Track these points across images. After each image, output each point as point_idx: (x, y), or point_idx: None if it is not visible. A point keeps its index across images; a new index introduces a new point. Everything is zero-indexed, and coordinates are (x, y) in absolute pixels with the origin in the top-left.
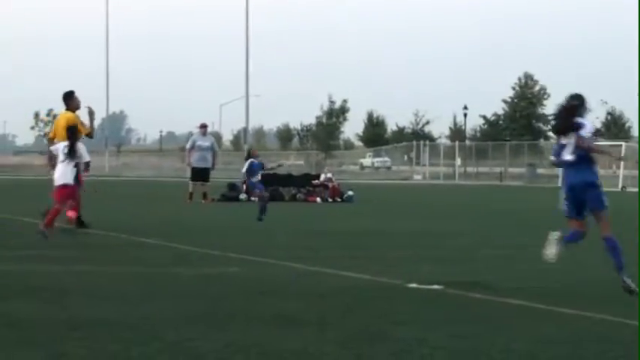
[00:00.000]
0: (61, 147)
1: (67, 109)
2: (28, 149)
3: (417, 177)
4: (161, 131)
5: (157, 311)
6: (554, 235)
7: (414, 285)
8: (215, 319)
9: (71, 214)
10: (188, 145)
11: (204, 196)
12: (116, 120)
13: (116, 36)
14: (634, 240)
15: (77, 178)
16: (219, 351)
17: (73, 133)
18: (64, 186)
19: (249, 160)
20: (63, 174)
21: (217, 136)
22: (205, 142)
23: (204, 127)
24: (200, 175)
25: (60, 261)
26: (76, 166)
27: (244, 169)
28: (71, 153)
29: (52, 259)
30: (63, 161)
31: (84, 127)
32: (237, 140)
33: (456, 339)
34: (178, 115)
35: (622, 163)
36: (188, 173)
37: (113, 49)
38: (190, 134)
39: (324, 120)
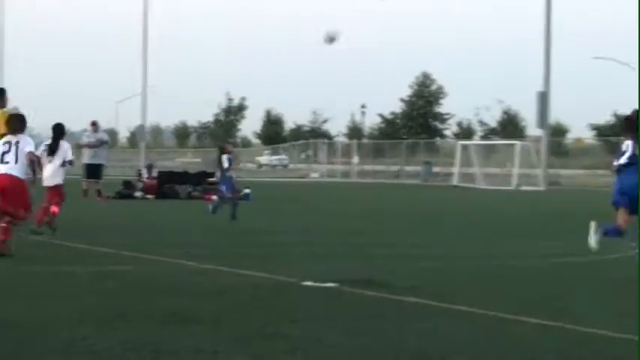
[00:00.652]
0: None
1: None
2: None
3: (315, 175)
4: None
5: (51, 310)
6: (593, 225)
7: (309, 283)
8: (109, 317)
9: (56, 209)
10: (81, 142)
11: (99, 193)
12: None
13: (9, 29)
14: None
15: None
16: (113, 349)
17: (56, 132)
18: (59, 186)
19: (226, 156)
20: (54, 174)
21: (113, 133)
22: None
23: (94, 124)
24: (93, 172)
25: None
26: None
27: (227, 165)
28: (54, 152)
29: None
30: (51, 161)
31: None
32: (133, 137)
33: (351, 337)
34: (74, 112)
35: (516, 161)
36: (82, 170)
37: (8, 44)
38: (85, 131)
39: (221, 117)
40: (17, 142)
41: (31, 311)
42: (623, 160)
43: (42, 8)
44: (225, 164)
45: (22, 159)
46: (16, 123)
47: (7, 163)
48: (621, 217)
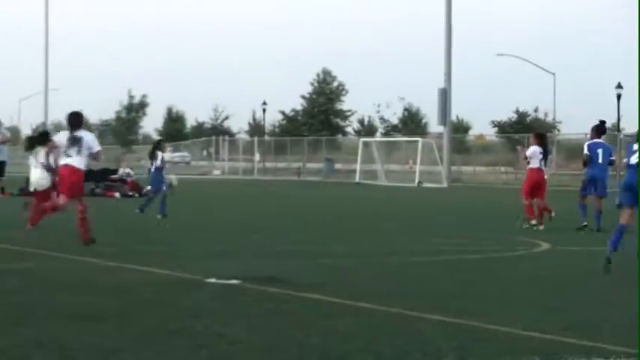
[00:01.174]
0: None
1: None
2: None
3: (216, 172)
4: None
5: None
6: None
7: (212, 280)
8: (13, 314)
9: None
10: None
11: (2, 190)
12: None
13: None
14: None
15: None
16: (18, 346)
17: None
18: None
19: (160, 153)
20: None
21: (15, 131)
22: None
23: None
24: None
25: None
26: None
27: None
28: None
29: None
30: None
31: None
32: None
33: (254, 334)
34: None
35: (418, 158)
36: None
37: None
38: None
39: (123, 115)
40: (80, 138)
41: None
42: (633, 159)
43: None
44: (156, 161)
45: (85, 152)
46: (75, 119)
47: (69, 156)
48: (625, 217)
